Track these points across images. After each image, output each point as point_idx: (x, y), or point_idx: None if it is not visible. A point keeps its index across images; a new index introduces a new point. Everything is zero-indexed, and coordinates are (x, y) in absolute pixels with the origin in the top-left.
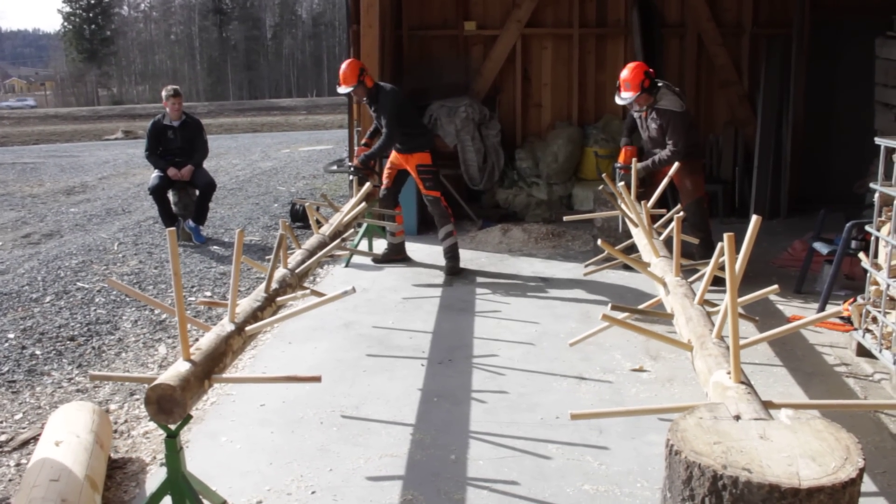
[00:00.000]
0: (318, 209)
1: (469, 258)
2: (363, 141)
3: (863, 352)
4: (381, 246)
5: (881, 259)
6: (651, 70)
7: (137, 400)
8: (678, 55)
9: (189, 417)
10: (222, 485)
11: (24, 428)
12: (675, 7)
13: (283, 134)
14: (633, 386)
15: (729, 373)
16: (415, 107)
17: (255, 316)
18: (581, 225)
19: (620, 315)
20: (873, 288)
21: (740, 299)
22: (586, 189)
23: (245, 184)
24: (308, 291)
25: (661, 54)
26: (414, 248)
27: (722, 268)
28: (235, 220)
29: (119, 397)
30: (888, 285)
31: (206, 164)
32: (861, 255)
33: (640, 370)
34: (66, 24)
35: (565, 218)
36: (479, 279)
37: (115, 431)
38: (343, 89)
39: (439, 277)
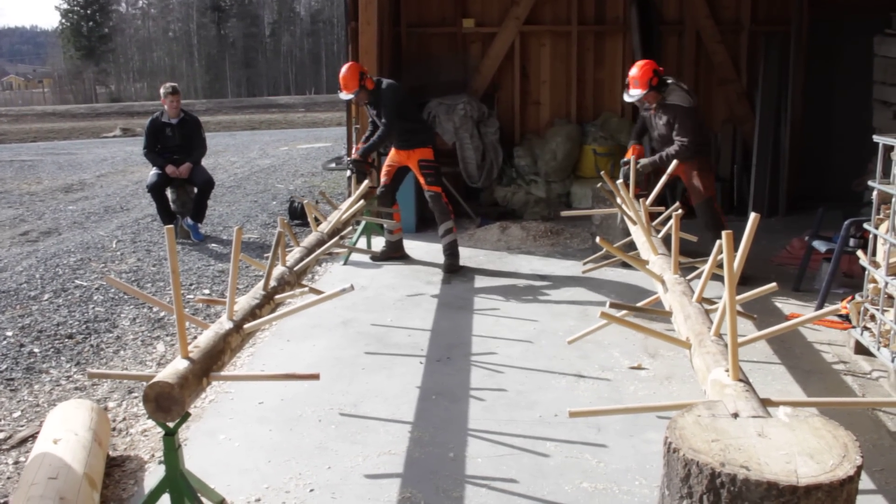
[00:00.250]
0: (317, 203)
1: (467, 256)
2: (362, 140)
3: (861, 349)
4: (379, 243)
5: (879, 257)
6: (660, 68)
7: (136, 398)
8: (677, 52)
9: (187, 415)
10: (221, 482)
11: (22, 426)
12: (673, 4)
13: (281, 131)
14: (632, 384)
15: (727, 370)
16: (415, 103)
17: (253, 314)
18: (579, 223)
19: (619, 313)
20: (871, 286)
21: (739, 297)
22: (585, 187)
23: (243, 181)
24: (306, 289)
25: (659, 51)
26: (412, 246)
27: (720, 265)
28: (234, 217)
29: (117, 395)
30: (886, 283)
31: (205, 162)
32: (859, 252)
33: (639, 368)
34: (63, 21)
35: (562, 213)
36: (478, 277)
37: (114, 429)
38: (345, 96)
39: (438, 275)
